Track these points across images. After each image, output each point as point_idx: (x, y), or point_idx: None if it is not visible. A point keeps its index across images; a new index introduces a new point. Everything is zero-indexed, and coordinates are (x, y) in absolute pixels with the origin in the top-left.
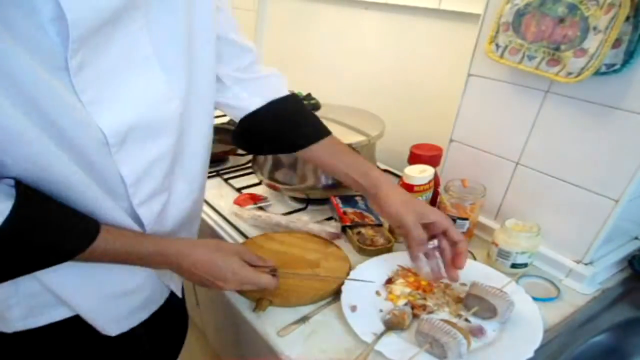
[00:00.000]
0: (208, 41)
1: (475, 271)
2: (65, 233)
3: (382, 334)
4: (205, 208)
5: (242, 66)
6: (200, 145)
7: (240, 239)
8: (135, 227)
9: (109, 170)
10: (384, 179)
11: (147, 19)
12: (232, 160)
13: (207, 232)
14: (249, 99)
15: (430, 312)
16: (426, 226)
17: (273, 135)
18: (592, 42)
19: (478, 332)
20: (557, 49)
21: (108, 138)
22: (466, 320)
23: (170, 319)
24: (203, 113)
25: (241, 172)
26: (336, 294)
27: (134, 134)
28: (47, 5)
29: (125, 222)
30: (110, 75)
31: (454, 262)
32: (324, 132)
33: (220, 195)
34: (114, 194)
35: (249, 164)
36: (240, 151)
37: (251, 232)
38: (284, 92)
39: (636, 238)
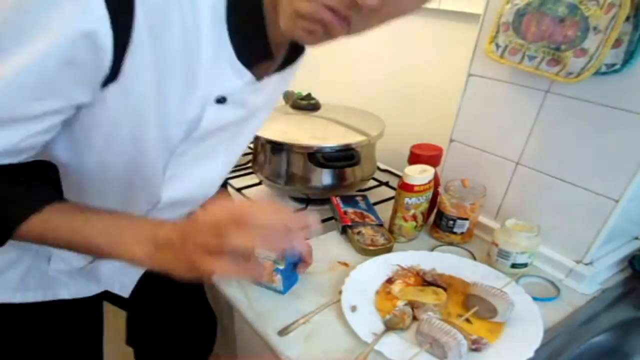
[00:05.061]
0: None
1: (475, 271)
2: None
3: (382, 334)
4: None
5: None
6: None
7: None
8: None
9: (139, 212)
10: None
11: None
12: None
13: None
14: None
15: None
16: None
17: None
18: (592, 42)
19: (475, 343)
20: (557, 49)
21: (160, 204)
22: (467, 320)
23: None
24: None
25: (241, 172)
26: None
27: (180, 202)
28: (193, 111)
29: None
30: (188, 158)
31: None
32: None
33: None
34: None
35: (249, 164)
36: None
37: None
38: None
39: (636, 238)
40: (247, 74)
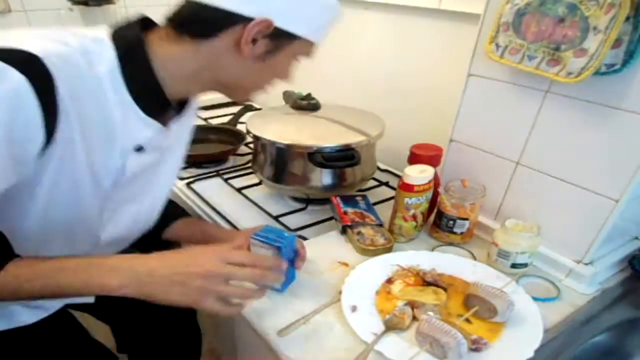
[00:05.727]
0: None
1: (475, 271)
2: None
3: (382, 334)
4: (206, 208)
5: None
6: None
7: None
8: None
9: (82, 252)
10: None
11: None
12: (232, 160)
13: None
14: None
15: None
16: None
17: None
18: (592, 42)
19: (475, 343)
20: (557, 49)
21: (100, 243)
22: (467, 320)
23: (180, 334)
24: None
25: (241, 172)
26: None
27: (119, 239)
28: (118, 161)
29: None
30: (120, 200)
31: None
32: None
33: (221, 194)
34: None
35: (249, 164)
36: (240, 151)
37: None
38: None
39: (636, 238)
40: (155, 124)
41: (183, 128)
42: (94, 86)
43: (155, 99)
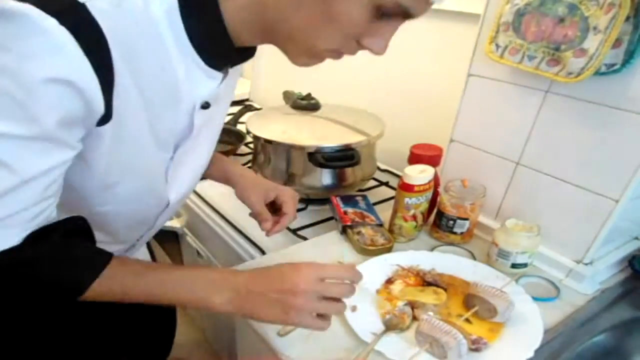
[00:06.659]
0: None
1: (475, 271)
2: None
3: (382, 334)
4: (206, 208)
5: None
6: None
7: (243, 241)
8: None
9: (152, 216)
10: (235, 171)
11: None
12: None
13: (208, 235)
14: None
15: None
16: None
17: None
18: (592, 42)
19: (475, 343)
20: (557, 49)
21: (170, 203)
22: (467, 320)
23: (155, 317)
24: None
25: None
26: None
27: (185, 197)
28: (184, 121)
29: None
30: (183, 159)
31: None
32: None
33: (222, 194)
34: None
35: (249, 164)
36: (240, 151)
37: (261, 237)
38: None
39: (636, 238)
40: (219, 75)
41: (234, 73)
42: (150, 35)
43: (219, 48)
